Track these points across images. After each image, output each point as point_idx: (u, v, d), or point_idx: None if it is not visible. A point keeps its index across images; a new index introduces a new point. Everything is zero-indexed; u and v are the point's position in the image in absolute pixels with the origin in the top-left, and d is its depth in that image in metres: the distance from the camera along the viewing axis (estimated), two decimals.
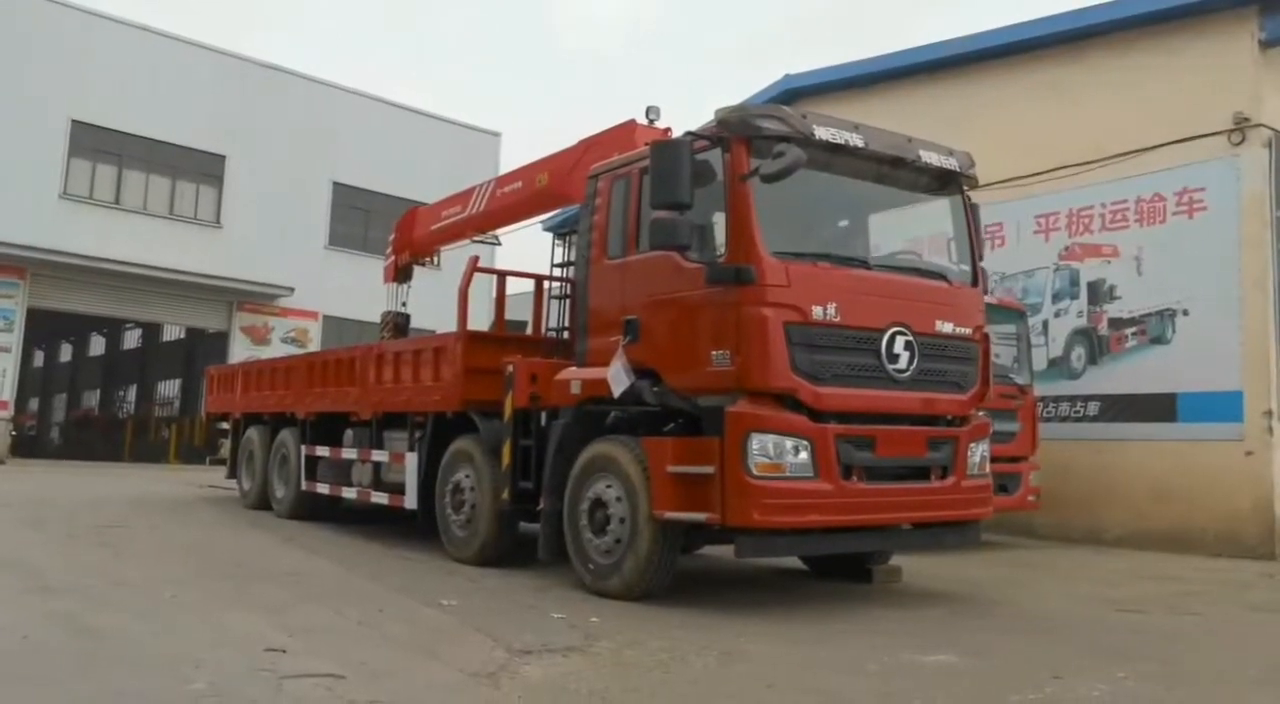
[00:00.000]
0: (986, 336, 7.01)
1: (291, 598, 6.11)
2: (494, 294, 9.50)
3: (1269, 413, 10.07)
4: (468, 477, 8.18)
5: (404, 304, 12.35)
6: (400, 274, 12.14)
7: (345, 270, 29.03)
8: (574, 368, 7.21)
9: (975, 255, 7.11)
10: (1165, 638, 5.80)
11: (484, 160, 33.09)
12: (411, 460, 8.86)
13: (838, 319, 6.09)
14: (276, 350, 28.40)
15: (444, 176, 31.25)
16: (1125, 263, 11.25)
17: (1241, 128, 10.41)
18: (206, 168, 27.24)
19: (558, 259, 8.60)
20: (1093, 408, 11.34)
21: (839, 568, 7.48)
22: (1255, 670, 5.07)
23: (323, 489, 10.55)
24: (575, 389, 7.04)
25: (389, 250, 12.22)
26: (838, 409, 6.06)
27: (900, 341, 6.31)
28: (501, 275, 9.13)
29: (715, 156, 6.26)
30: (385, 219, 30.95)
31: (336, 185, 29.64)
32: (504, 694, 4.16)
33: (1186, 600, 7.15)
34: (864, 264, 6.51)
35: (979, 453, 6.76)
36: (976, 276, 7.06)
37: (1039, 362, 11.37)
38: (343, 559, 8.07)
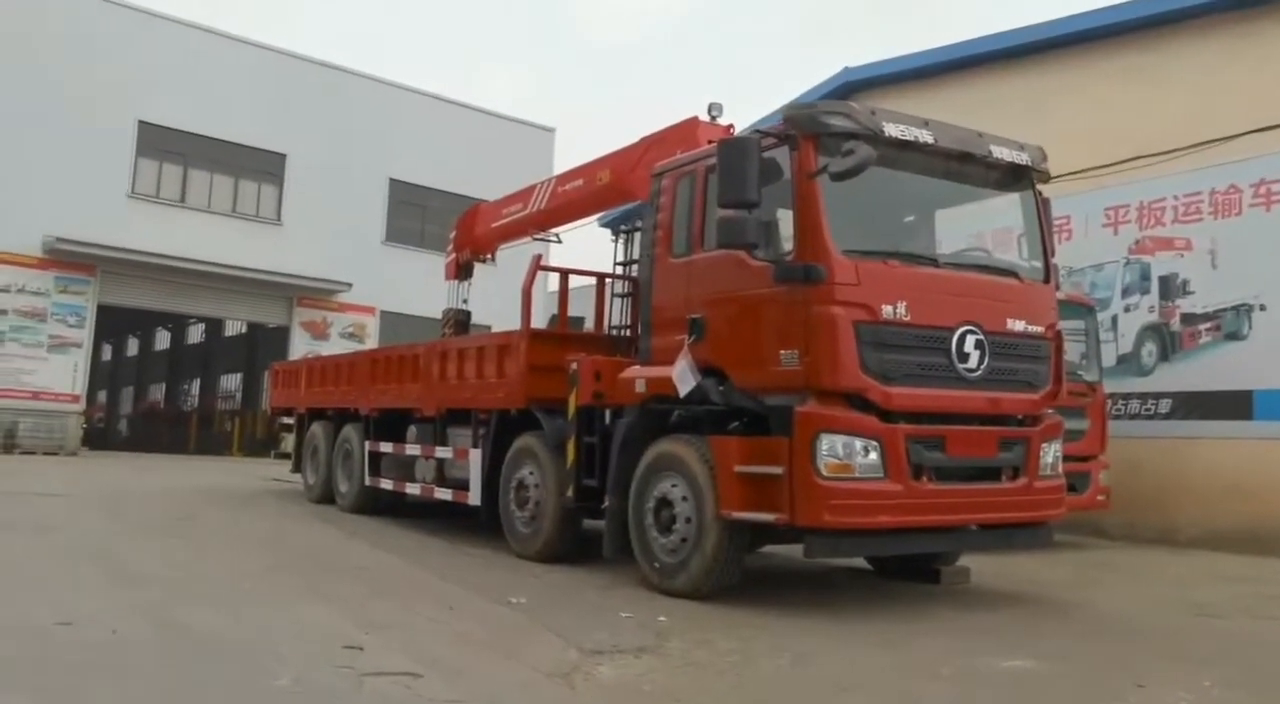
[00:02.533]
0: (1059, 335, 6.89)
1: (363, 593, 6.20)
2: (557, 292, 9.51)
3: None
4: (532, 473, 8.23)
5: (465, 301, 12.45)
6: (461, 271, 12.24)
7: (402, 266, 29.38)
8: (638, 366, 7.21)
9: (1047, 252, 6.98)
10: (1247, 643, 5.67)
11: (538, 156, 33.26)
12: (475, 457, 8.93)
13: (907, 318, 6.01)
14: (335, 345, 28.87)
15: (499, 172, 31.42)
16: (1199, 256, 10.98)
17: None
18: (267, 166, 27.72)
19: (618, 256, 8.59)
20: (1164, 405, 11.09)
21: (906, 568, 7.40)
22: None
23: (386, 485, 10.69)
24: (640, 387, 7.04)
25: (450, 247, 12.32)
26: (908, 409, 5.99)
27: (971, 340, 6.22)
28: (564, 274, 9.16)
29: (782, 154, 6.21)
30: (441, 215, 31.32)
31: (393, 182, 29.98)
32: (579, 695, 4.19)
33: (1266, 604, 6.98)
34: (933, 262, 6.43)
35: (1051, 453, 6.65)
36: (1048, 273, 6.93)
37: (1108, 358, 11.14)
38: (408, 554, 8.16)
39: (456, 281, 12.41)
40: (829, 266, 5.90)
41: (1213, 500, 10.44)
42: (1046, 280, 6.90)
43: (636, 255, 8.41)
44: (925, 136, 6.28)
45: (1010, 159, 6.69)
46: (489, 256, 12.10)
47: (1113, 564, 9.05)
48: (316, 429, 12.77)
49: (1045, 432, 6.60)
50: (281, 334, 28.54)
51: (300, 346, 28.38)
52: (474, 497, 8.89)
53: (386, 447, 10.69)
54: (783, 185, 6.20)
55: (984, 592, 7.07)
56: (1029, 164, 6.80)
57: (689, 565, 6.43)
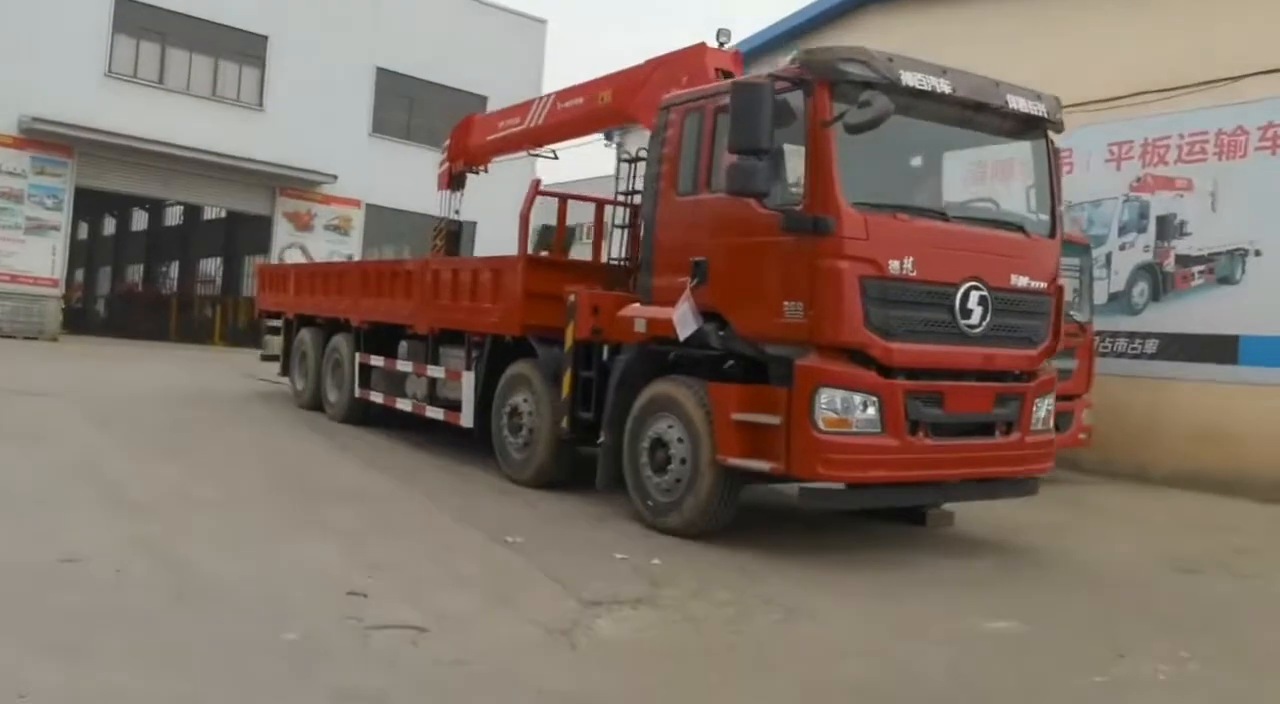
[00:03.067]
0: (1060, 289, 6.89)
1: (361, 526, 6.27)
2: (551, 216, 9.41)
3: None
4: (526, 401, 8.27)
5: (457, 212, 12.28)
6: (454, 181, 12.03)
7: (389, 159, 28.89)
8: (638, 305, 7.17)
9: (1055, 204, 6.92)
10: (1225, 607, 5.85)
11: (530, 48, 32.48)
12: (468, 379, 8.94)
13: (914, 273, 5.99)
14: (319, 237, 28.59)
15: (489, 65, 30.81)
16: (1199, 197, 10.92)
17: None
18: (249, 48, 26.93)
19: (621, 185, 8.45)
20: (1151, 345, 11.19)
21: (892, 510, 7.54)
22: None
23: (376, 399, 10.71)
24: (640, 327, 7.01)
25: (443, 157, 12.06)
26: (908, 365, 6.02)
27: (975, 296, 6.21)
28: (563, 198, 9.02)
29: (796, 98, 6.06)
30: (429, 108, 30.71)
31: (380, 71, 29.25)
32: (580, 655, 4.29)
33: (1243, 559, 7.17)
34: (942, 215, 6.37)
35: (1044, 408, 6.72)
36: (1054, 227, 6.89)
37: (1100, 296, 11.19)
38: (401, 475, 8.24)
39: (449, 191, 12.18)
40: (838, 219, 5.84)
41: (1189, 442, 10.63)
42: (1052, 234, 6.86)
43: (639, 186, 8.27)
44: (943, 86, 6.14)
45: (1026, 109, 6.56)
46: (483, 168, 11.86)
47: (1090, 504, 9.25)
48: (305, 336, 12.70)
49: (1040, 387, 6.66)
50: (264, 224, 28.16)
51: (283, 237, 28.07)
52: (466, 419, 8.94)
53: (377, 360, 10.67)
54: (794, 129, 6.08)
55: (968, 536, 7.23)
56: (1045, 115, 6.68)
57: (682, 506, 6.53)
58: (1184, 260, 11.02)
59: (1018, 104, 6.51)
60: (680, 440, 6.55)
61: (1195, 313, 10.82)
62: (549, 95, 10.13)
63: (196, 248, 36.10)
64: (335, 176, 27.75)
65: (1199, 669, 4.56)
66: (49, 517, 5.83)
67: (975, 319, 6.23)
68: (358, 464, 8.65)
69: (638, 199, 8.26)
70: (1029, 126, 6.77)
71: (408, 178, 28.89)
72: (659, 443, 6.72)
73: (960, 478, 6.37)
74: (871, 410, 5.89)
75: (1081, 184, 11.77)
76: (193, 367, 18.22)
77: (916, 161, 6.86)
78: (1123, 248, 11.52)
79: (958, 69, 6.31)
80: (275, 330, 14.31)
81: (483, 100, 31.54)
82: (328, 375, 11.92)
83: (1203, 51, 10.83)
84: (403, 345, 10.42)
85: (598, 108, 9.28)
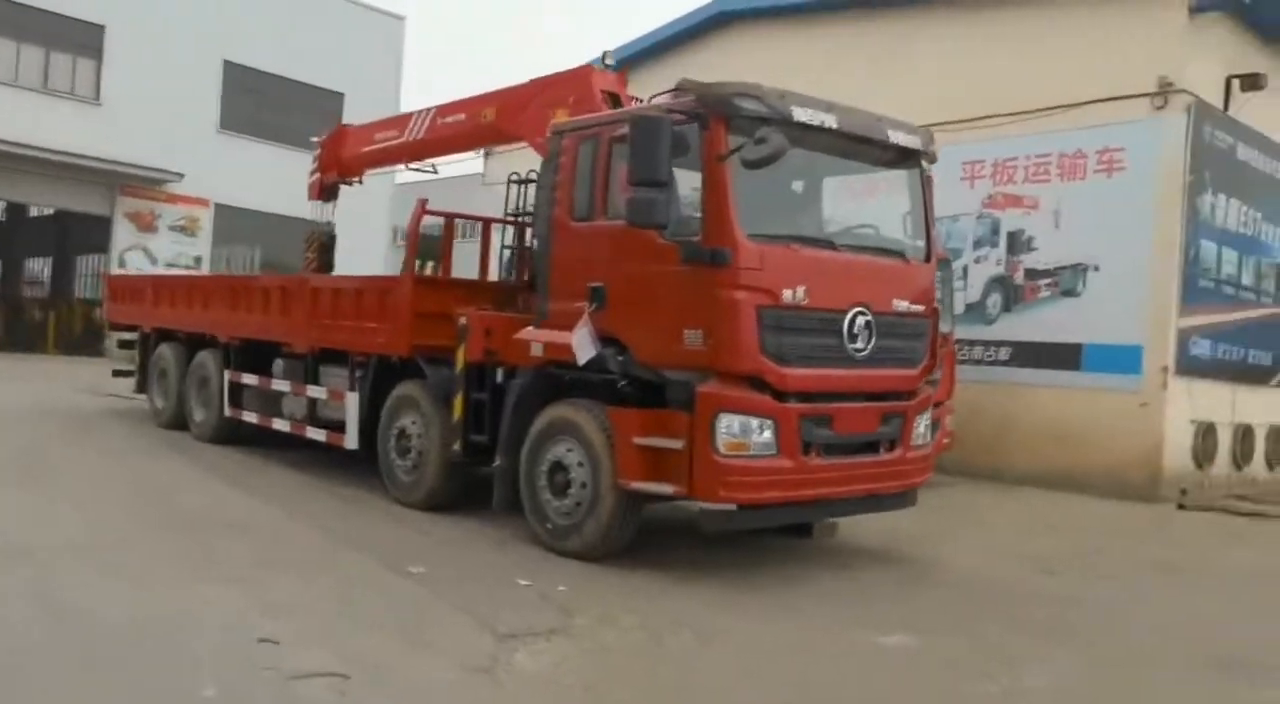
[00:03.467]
0: (936, 311, 7.29)
1: (257, 563, 6.10)
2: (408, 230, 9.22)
3: (1165, 369, 10.79)
4: (414, 423, 8.19)
5: (330, 222, 11.99)
6: (326, 192, 11.73)
7: (239, 156, 27.88)
8: (533, 328, 7.21)
9: (930, 230, 7.32)
10: (1091, 609, 6.32)
11: (387, 45, 31.87)
12: (352, 400, 8.79)
13: (806, 301, 6.24)
14: (164, 238, 27.37)
15: (345, 61, 30.10)
16: (1044, 215, 11.70)
17: (1164, 92, 10.83)
18: (83, 38, 25.54)
19: (510, 205, 8.47)
20: (1004, 353, 11.91)
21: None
22: (1185, 655, 5.53)
23: (250, 418, 10.38)
24: (536, 351, 7.06)
25: (314, 166, 11.74)
26: (800, 389, 6.27)
27: (861, 321, 6.52)
28: (450, 218, 8.96)
29: (691, 131, 6.21)
30: (280, 104, 29.77)
31: (228, 65, 28.18)
32: (507, 694, 4.34)
33: (1096, 560, 7.76)
34: (831, 245, 6.65)
35: (923, 424, 7.11)
36: (929, 252, 7.29)
37: (958, 306, 11.82)
38: (287, 503, 8.02)
39: (320, 202, 11.87)
40: (735, 250, 6.04)
41: (1039, 443, 11.38)
42: (928, 259, 7.25)
43: (528, 207, 8.31)
44: (830, 121, 6.42)
45: (905, 143, 6.92)
46: (357, 179, 11.62)
47: (956, 507, 9.77)
48: (166, 351, 12.17)
49: (919, 405, 7.04)
50: (103, 224, 26.69)
51: (124, 239, 26.73)
52: (350, 440, 8.79)
53: (250, 379, 10.34)
54: (688, 160, 6.24)
55: (851, 546, 7.56)
56: (920, 148, 7.06)
57: (583, 529, 6.62)
58: (1032, 274, 11.79)
59: (898, 138, 6.86)
60: (580, 464, 6.64)
61: (1043, 322, 11.59)
62: (429, 109, 10.00)
63: (21, 247, 33.81)
64: (181, 175, 26.59)
65: (1081, 674, 4.95)
66: None
67: (861, 343, 6.54)
68: (238, 491, 8.38)
69: (527, 219, 8.33)
70: (906, 157, 7.14)
71: (259, 177, 27.96)
72: (558, 466, 6.79)
73: (849, 495, 6.67)
74: (768, 434, 6.12)
75: (939, 201, 12.32)
76: (28, 379, 17.20)
77: (800, 186, 7.12)
78: (977, 261, 12.23)
79: (842, 104, 6.61)
80: (128, 344, 13.68)
81: (339, 97, 30.82)
82: (192, 393, 11.47)
83: (1046, 80, 11.59)
84: (278, 363, 10.14)
85: (480, 125, 9.25)
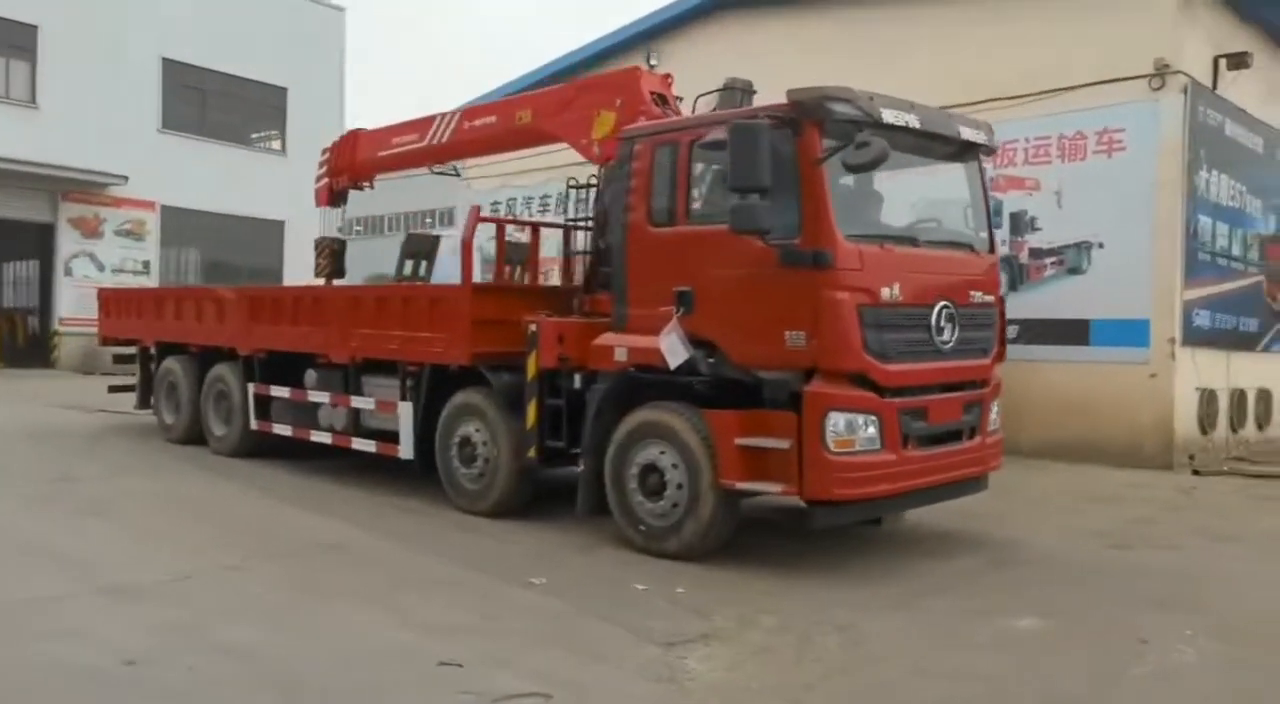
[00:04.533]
0: (1002, 300, 7.52)
1: (374, 583, 6.10)
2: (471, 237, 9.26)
3: (1172, 340, 11.23)
4: (478, 430, 8.19)
5: (339, 229, 11.83)
6: (335, 198, 11.54)
7: (184, 157, 27.22)
8: (612, 334, 7.27)
9: (990, 222, 7.54)
10: (1179, 579, 6.62)
11: (328, 37, 31.28)
12: (406, 410, 8.74)
13: (900, 298, 6.43)
14: (111, 244, 26.59)
15: (287, 55, 29.45)
16: (1046, 196, 12.04)
17: (1162, 73, 11.21)
18: (15, 39, 24.63)
19: (570, 211, 8.50)
20: (1011, 331, 12.19)
21: None
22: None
23: (282, 431, 10.25)
24: (620, 356, 7.12)
25: (321, 172, 11.53)
26: (899, 384, 6.45)
27: (945, 315, 6.72)
28: (501, 224, 8.94)
29: (783, 136, 6.29)
30: (224, 101, 29.06)
31: (167, 62, 27.37)
32: (697, 700, 4.44)
33: (1152, 531, 8.10)
34: (914, 241, 6.83)
35: (995, 411, 7.36)
36: (992, 243, 7.51)
37: None
38: (356, 518, 7.98)
39: (329, 208, 11.70)
40: (835, 252, 6.18)
41: (1053, 416, 11.75)
42: (991, 250, 7.48)
43: (587, 213, 8.35)
44: (914, 121, 6.58)
45: (972, 138, 7.12)
46: (368, 184, 11.47)
47: (994, 484, 10.03)
48: (174, 366, 11.90)
49: (993, 392, 7.29)
50: (47, 232, 25.80)
51: (69, 246, 25.90)
52: (405, 451, 8.75)
53: (280, 391, 10.19)
54: (781, 165, 6.33)
55: (921, 532, 7.77)
56: (985, 142, 7.27)
57: (681, 530, 6.72)
58: (1036, 253, 12.14)
59: (968, 133, 7.05)
60: (675, 466, 6.74)
61: (1050, 300, 11.95)
62: (452, 113, 9.92)
63: None
64: (125, 178, 25.82)
65: (1214, 646, 5.22)
66: (45, 609, 5.34)
67: (946, 336, 6.75)
68: (306, 511, 8.26)
69: (585, 224, 8.38)
70: (968, 151, 7.33)
71: (205, 177, 27.31)
72: (650, 469, 6.87)
73: (941, 483, 6.88)
74: (872, 429, 6.29)
75: None
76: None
77: (883, 190, 7.28)
78: None
79: (921, 104, 6.77)
80: (125, 358, 13.36)
81: (282, 92, 30.23)
82: (209, 407, 11.26)
83: (1045, 63, 11.91)
84: (310, 374, 10.00)
85: (514, 127, 9.21)
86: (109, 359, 14.00)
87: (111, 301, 13.51)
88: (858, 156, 6.07)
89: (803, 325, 6.26)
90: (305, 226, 30.43)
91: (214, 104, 28.95)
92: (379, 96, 74.22)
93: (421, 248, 11.74)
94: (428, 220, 40.86)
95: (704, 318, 6.68)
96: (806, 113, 6.28)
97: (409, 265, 11.57)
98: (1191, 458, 11.23)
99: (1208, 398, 11.76)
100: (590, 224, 8.40)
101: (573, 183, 8.51)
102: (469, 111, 9.80)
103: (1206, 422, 11.72)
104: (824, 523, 6.53)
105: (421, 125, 10.31)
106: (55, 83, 24.85)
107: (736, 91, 8.17)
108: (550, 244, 9.98)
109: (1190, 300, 11.50)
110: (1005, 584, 6.43)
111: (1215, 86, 11.98)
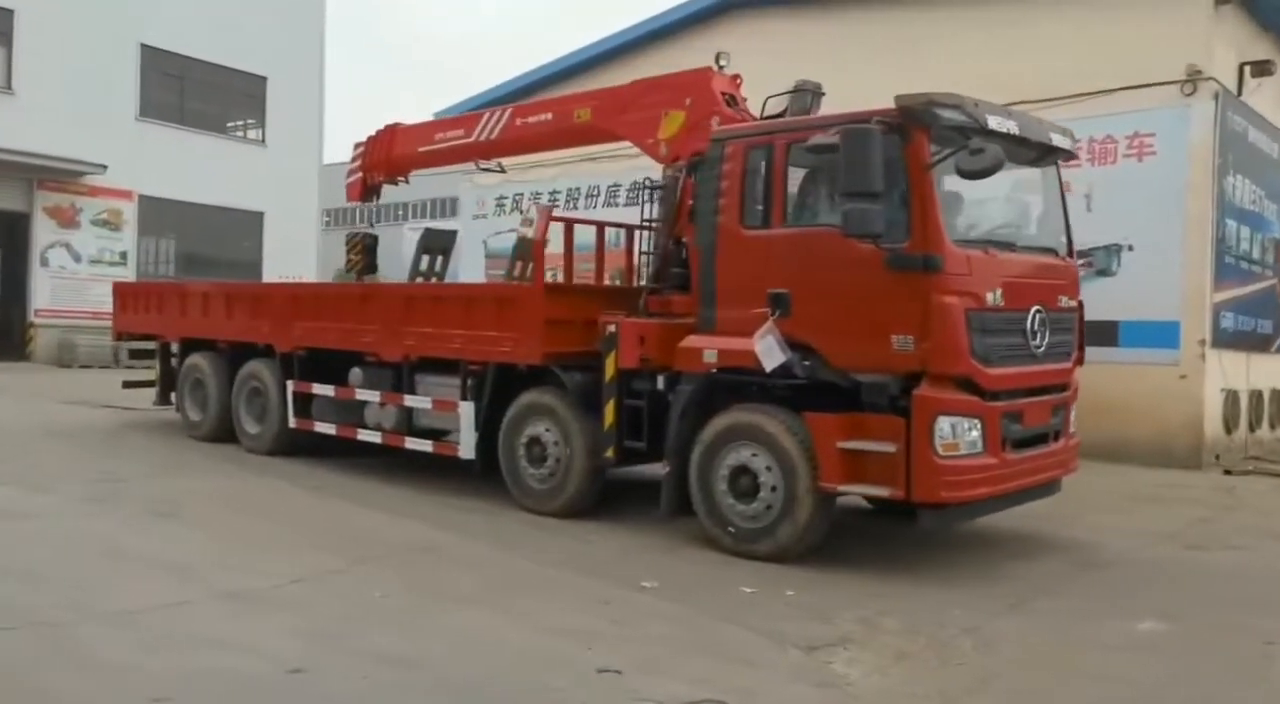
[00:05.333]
0: (1082, 304, 7.62)
1: (486, 586, 6.04)
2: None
3: (1203, 342, 11.46)
4: (548, 430, 8.14)
5: (372, 224, 11.66)
6: (368, 193, 11.37)
7: (162, 145, 26.70)
8: (701, 335, 7.25)
9: (1069, 227, 7.63)
10: (1268, 580, 6.77)
11: (308, 23, 30.80)
12: (467, 410, 8.65)
13: (1002, 303, 6.49)
14: (87, 233, 25.98)
15: (266, 43, 28.93)
16: (1076, 199, 12.02)
17: (1193, 79, 11.41)
18: None
19: (645, 212, 8.45)
20: None
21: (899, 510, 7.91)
22: None
23: (324, 429, 10.09)
24: (710, 358, 7.10)
25: (354, 166, 11.35)
26: (1000, 388, 6.51)
27: (1038, 319, 6.80)
28: (570, 224, 8.88)
29: (891, 141, 6.30)
30: (203, 88, 28.52)
31: (145, 48, 26.79)
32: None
33: (1213, 530, 8.27)
34: (1012, 246, 6.90)
35: (1073, 413, 7.46)
36: (1070, 247, 7.60)
37: None
38: (428, 518, 7.92)
39: (360, 203, 11.53)
40: (945, 256, 6.21)
41: (1083, 416, 11.84)
42: (1071, 254, 7.57)
43: (655, 214, 8.31)
44: (1014, 128, 6.64)
45: (1060, 144, 7.19)
46: (403, 179, 11.32)
47: None
48: (200, 362, 11.66)
49: (1074, 395, 7.39)
50: (23, 221, 25.12)
51: (45, 236, 25.26)
52: (466, 450, 8.67)
53: (324, 389, 10.03)
54: (890, 170, 6.32)
55: (993, 533, 7.80)
56: (1070, 148, 7.35)
57: (776, 532, 6.72)
58: None
59: (1057, 140, 7.13)
60: (769, 468, 6.74)
61: None
62: (503, 109, 9.82)
63: None
64: (104, 166, 25.22)
65: None
66: (173, 617, 5.20)
67: (1039, 340, 6.83)
68: (377, 511, 8.14)
69: (654, 224, 8.34)
70: (1051, 155, 7.40)
71: (184, 166, 26.82)
72: (742, 470, 6.87)
73: (1030, 485, 6.96)
74: (975, 433, 6.34)
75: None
76: None
77: (978, 194, 7.31)
78: None
79: (1018, 111, 6.84)
80: (142, 353, 13.08)
81: (262, 81, 29.73)
82: (241, 405, 11.06)
83: (1074, 67, 12.06)
84: (356, 372, 9.86)
85: (572, 125, 9.15)
86: (80, 354, 13.69)
87: (129, 295, 13.20)
88: (973, 162, 6.10)
89: (911, 329, 6.28)
90: (284, 218, 30.17)
91: (193, 92, 28.42)
92: (360, 88, 73.20)
93: (438, 243, 11.62)
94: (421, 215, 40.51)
95: (801, 320, 6.68)
96: (915, 118, 6.30)
97: (425, 261, 11.45)
98: (1217, 458, 11.47)
99: (1231, 399, 12.02)
100: (656, 224, 8.35)
101: (647, 183, 8.46)
102: (520, 108, 9.71)
103: (1231, 422, 11.98)
104: (930, 525, 6.58)
105: (468, 121, 10.22)
106: (32, 69, 24.21)
107: (807, 93, 8.21)
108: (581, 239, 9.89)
109: (1218, 303, 11.74)
110: (1104, 586, 6.51)
111: (1240, 93, 12.22)
